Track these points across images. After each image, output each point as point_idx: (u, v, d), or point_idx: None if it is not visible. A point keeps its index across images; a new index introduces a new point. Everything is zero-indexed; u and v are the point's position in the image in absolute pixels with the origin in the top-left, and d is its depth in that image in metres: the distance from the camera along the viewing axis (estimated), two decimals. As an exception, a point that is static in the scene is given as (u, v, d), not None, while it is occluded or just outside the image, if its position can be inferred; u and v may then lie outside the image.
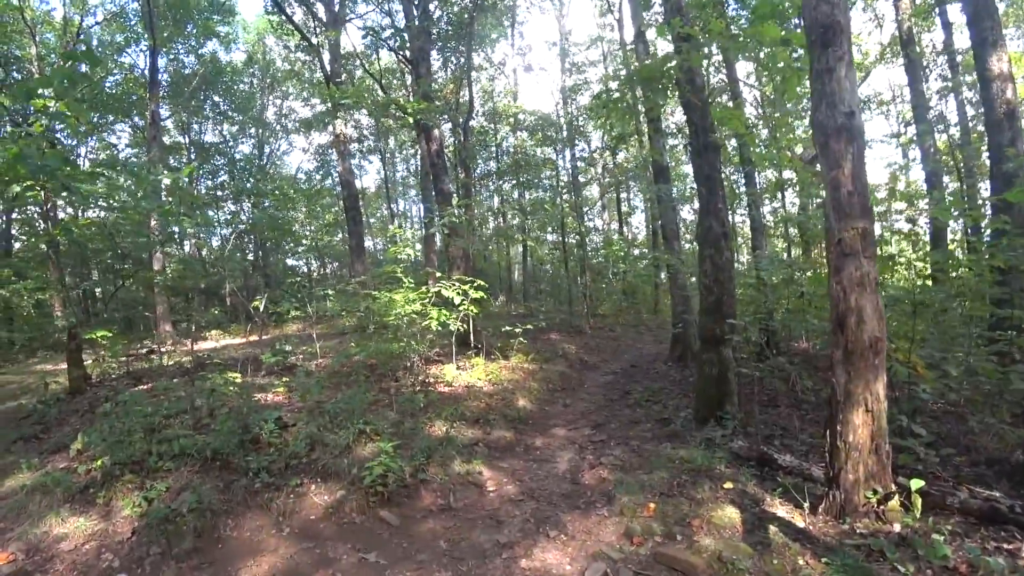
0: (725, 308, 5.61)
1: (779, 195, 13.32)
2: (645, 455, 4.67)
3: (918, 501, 3.08)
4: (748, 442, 4.49)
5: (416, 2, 9.91)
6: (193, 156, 18.27)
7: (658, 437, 5.24)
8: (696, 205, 12.63)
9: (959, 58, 11.19)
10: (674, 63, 5.28)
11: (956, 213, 7.46)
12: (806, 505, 3.34)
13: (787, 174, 12.13)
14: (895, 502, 3.08)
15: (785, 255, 13.87)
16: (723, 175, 6.71)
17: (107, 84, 15.60)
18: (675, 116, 14.03)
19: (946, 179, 11.22)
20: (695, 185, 7.59)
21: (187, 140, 19.33)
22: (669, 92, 6.95)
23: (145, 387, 6.35)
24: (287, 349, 8.30)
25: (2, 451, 5.07)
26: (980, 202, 9.87)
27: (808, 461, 4.04)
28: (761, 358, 6.96)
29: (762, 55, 5.61)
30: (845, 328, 3.29)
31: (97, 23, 15.35)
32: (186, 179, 7.05)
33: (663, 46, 11.06)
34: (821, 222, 10.83)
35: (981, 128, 10.14)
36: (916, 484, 3.11)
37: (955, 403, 5.08)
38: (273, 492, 4.01)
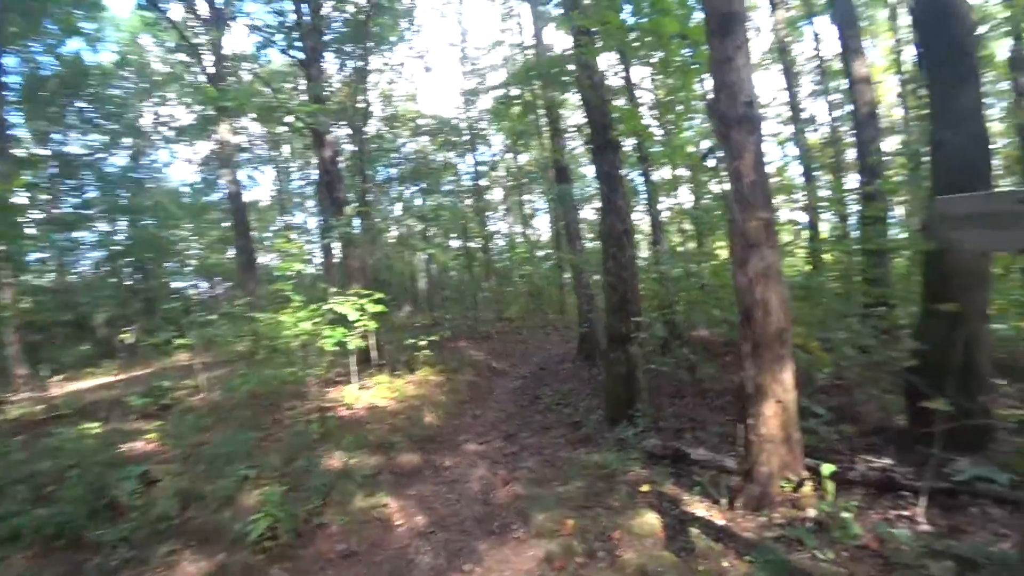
0: (630, 305, 5.59)
1: (675, 192, 13.86)
2: (559, 464, 4.48)
3: (830, 486, 3.11)
4: (661, 439, 4.45)
5: (307, 0, 9.23)
6: (55, 170, 15.89)
7: (571, 443, 5.08)
8: (598, 204, 12.91)
9: (833, 64, 12.32)
10: (572, 54, 5.17)
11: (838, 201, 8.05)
12: (724, 501, 3.28)
13: (681, 171, 12.70)
14: (808, 488, 3.09)
15: (681, 248, 14.50)
16: (623, 173, 6.76)
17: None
18: (574, 118, 14.26)
19: (818, 173, 12.20)
20: (596, 184, 7.63)
21: (47, 151, 16.76)
22: (568, 89, 6.91)
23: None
24: (165, 385, 7.33)
25: None
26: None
27: (721, 453, 4.03)
28: (665, 351, 7.11)
29: (660, 53, 5.65)
30: (752, 320, 3.26)
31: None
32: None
33: (563, 47, 11.13)
34: (714, 215, 11.46)
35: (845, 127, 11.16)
36: (827, 469, 3.15)
37: (843, 379, 5.35)
38: (136, 568, 3.35)
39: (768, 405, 3.13)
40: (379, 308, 6.95)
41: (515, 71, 10.22)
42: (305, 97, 9.83)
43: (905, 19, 12.78)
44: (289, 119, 9.19)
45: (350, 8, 10.57)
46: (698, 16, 5.41)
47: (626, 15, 5.10)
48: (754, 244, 3.28)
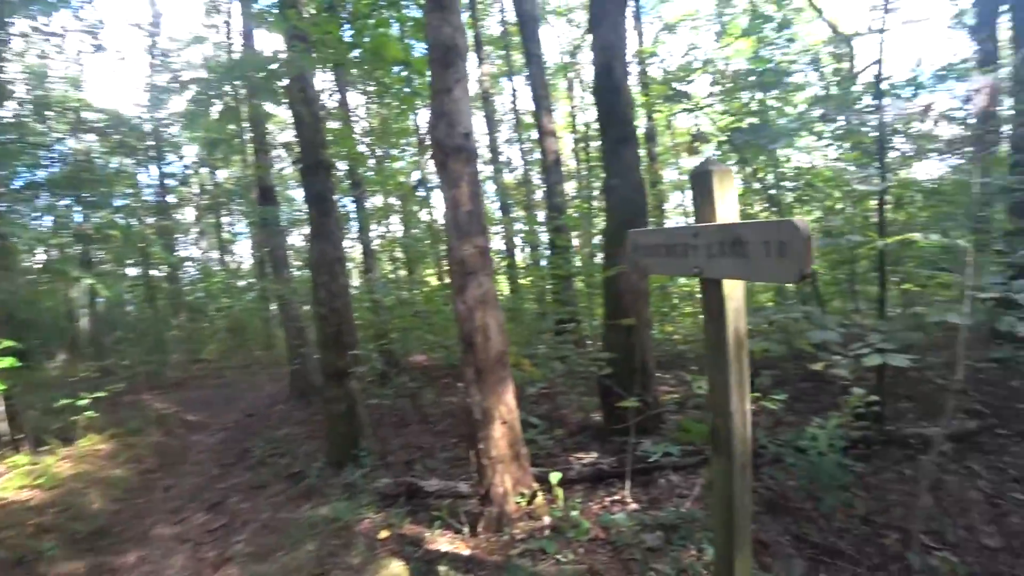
0: (346, 337, 5.27)
1: (386, 220, 14.00)
2: (282, 527, 3.85)
3: (559, 491, 3.37)
4: (391, 475, 4.25)
5: None
6: None
7: (293, 498, 4.45)
8: (307, 230, 12.08)
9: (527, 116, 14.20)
10: (286, 59, 4.63)
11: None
12: (466, 529, 3.24)
13: (392, 200, 12.91)
14: (540, 498, 3.28)
15: (393, 276, 14.69)
16: (335, 197, 6.42)
17: None
18: (284, 135, 13.17)
19: (513, 209, 13.90)
20: (306, 207, 7.08)
21: None
22: (279, 100, 6.25)
23: None
24: None
25: None
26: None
27: (453, 479, 4.03)
28: (384, 382, 6.99)
29: (380, 76, 5.53)
30: (474, 346, 3.33)
31: None
32: None
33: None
34: (424, 244, 11.93)
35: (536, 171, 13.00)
36: (555, 476, 3.41)
37: (547, 388, 6.03)
38: None
39: (496, 427, 3.24)
40: (7, 362, 5.05)
41: (217, 66, 8.83)
42: None
43: (577, 91, 15.80)
44: None
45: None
46: (419, 47, 5.54)
47: (348, 34, 4.88)
48: (471, 271, 3.39)
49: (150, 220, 14.09)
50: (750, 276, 1.90)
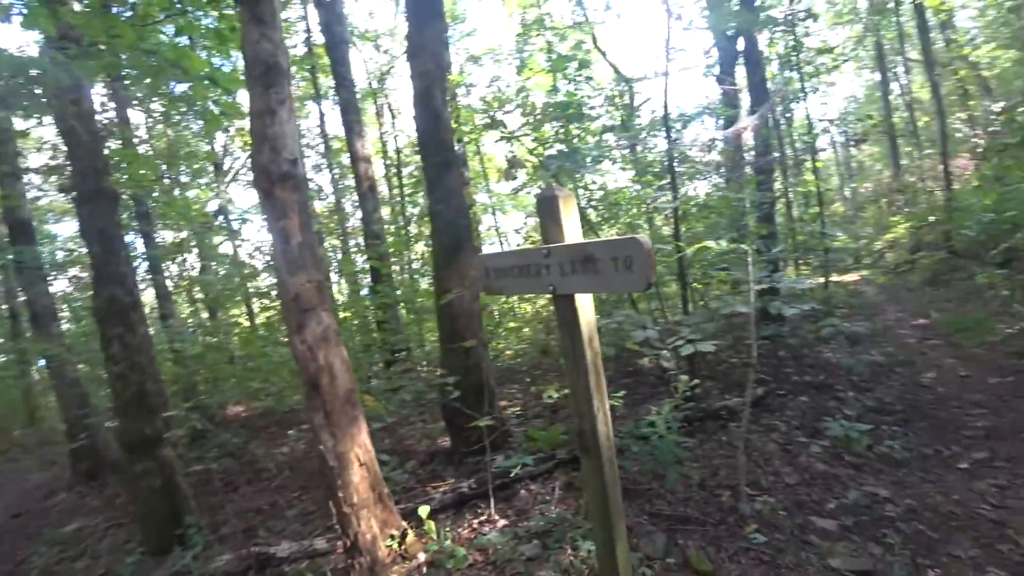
0: (153, 398, 4.50)
1: (182, 256, 12.31)
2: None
3: (430, 524, 3.25)
4: (231, 549, 3.70)
5: None
6: None
7: None
8: (80, 272, 10.04)
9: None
10: (53, 60, 3.76)
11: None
12: (333, 589, 2.96)
13: (185, 232, 11.36)
14: (410, 536, 3.13)
15: (193, 321, 12.96)
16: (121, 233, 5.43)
17: None
18: (39, 157, 10.75)
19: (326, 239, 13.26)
20: (81, 245, 5.90)
21: None
22: (37, 114, 5.11)
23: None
24: None
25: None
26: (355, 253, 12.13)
27: (307, 537, 3.66)
28: (201, 442, 6.15)
29: (173, 91, 4.79)
30: (320, 388, 3.09)
31: None
32: None
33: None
34: (233, 281, 10.74)
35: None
36: (424, 510, 3.28)
37: (390, 420, 5.83)
38: None
39: (354, 471, 3.04)
40: None
41: None
42: None
43: (387, 116, 15.67)
44: None
45: None
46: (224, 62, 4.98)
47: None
48: (309, 308, 3.16)
49: None
50: (602, 289, 2.09)
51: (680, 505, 3.09)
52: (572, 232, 2.06)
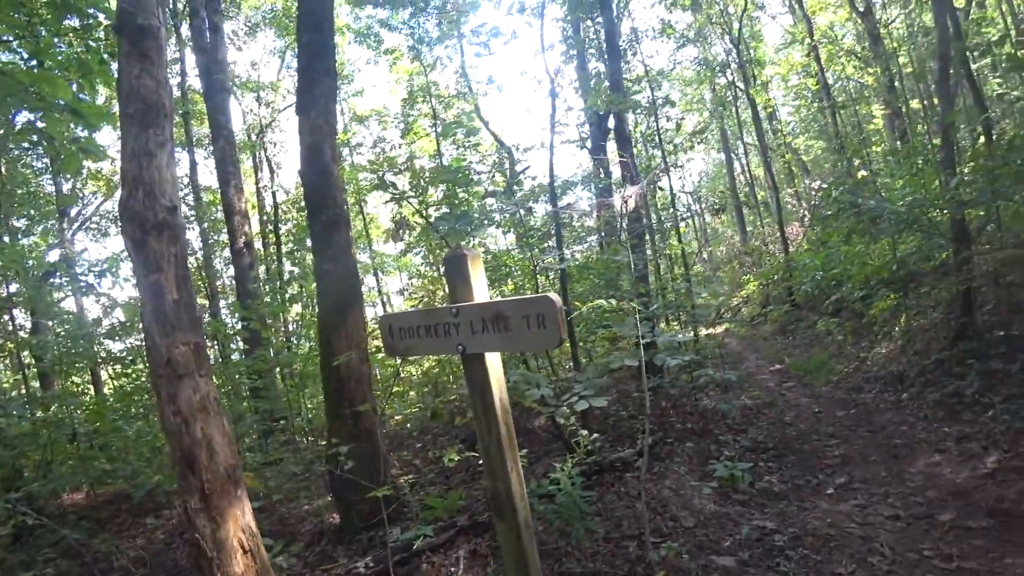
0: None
1: (8, 314, 10.50)
2: None
3: None
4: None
5: None
6: None
7: None
8: None
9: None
10: None
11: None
12: None
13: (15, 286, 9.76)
14: None
15: (19, 393, 11.02)
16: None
17: None
18: None
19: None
20: None
21: None
22: None
23: None
24: None
25: None
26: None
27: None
28: (28, 540, 5.12)
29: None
30: (196, 466, 2.73)
31: None
32: None
33: None
34: (77, 344, 9.32)
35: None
36: None
37: (269, 498, 5.30)
38: None
39: (236, 561, 2.67)
40: None
41: None
42: None
43: (265, 170, 15.01)
44: None
45: None
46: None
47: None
48: (184, 374, 2.82)
49: None
50: (514, 347, 2.11)
51: (589, 560, 3.08)
52: (481, 291, 2.09)
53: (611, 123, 10.36)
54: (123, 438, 6.05)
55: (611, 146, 10.92)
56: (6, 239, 9.37)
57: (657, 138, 11.55)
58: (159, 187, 2.78)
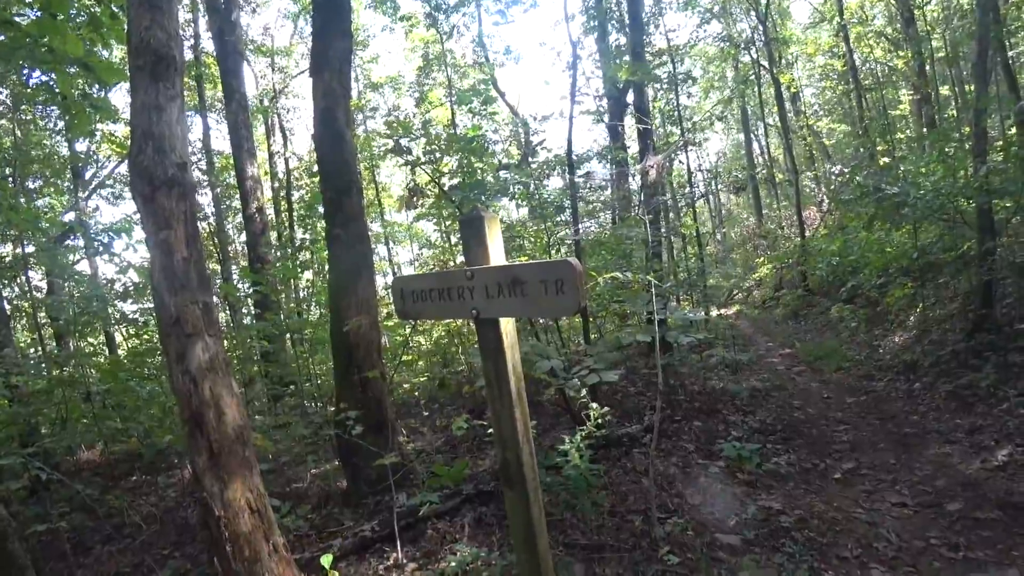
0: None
1: (21, 275, 10.62)
2: None
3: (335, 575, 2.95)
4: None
5: None
6: None
7: None
8: None
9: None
10: None
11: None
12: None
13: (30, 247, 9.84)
14: None
15: (38, 352, 11.20)
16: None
17: None
18: None
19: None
20: None
21: None
22: None
23: None
24: None
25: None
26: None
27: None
28: (42, 496, 5.22)
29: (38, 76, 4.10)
30: (204, 426, 2.74)
31: None
32: None
33: None
34: (86, 306, 9.43)
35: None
36: (326, 559, 2.97)
37: (278, 461, 5.35)
38: None
39: (244, 520, 2.69)
40: None
41: None
42: None
43: (278, 136, 14.89)
44: None
45: None
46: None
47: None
48: (193, 333, 2.81)
49: None
50: (531, 313, 2.05)
51: (594, 533, 3.09)
52: (497, 255, 2.02)
53: (630, 97, 10.14)
54: (135, 398, 6.12)
55: (629, 122, 10.70)
56: (21, 200, 9.42)
57: (677, 114, 11.30)
58: (169, 142, 2.72)
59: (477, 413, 5.62)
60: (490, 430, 4.39)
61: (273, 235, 13.49)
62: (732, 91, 20.86)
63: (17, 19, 3.51)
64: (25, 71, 4.68)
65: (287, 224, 13.41)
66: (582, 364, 3.90)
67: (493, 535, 3.20)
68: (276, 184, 14.55)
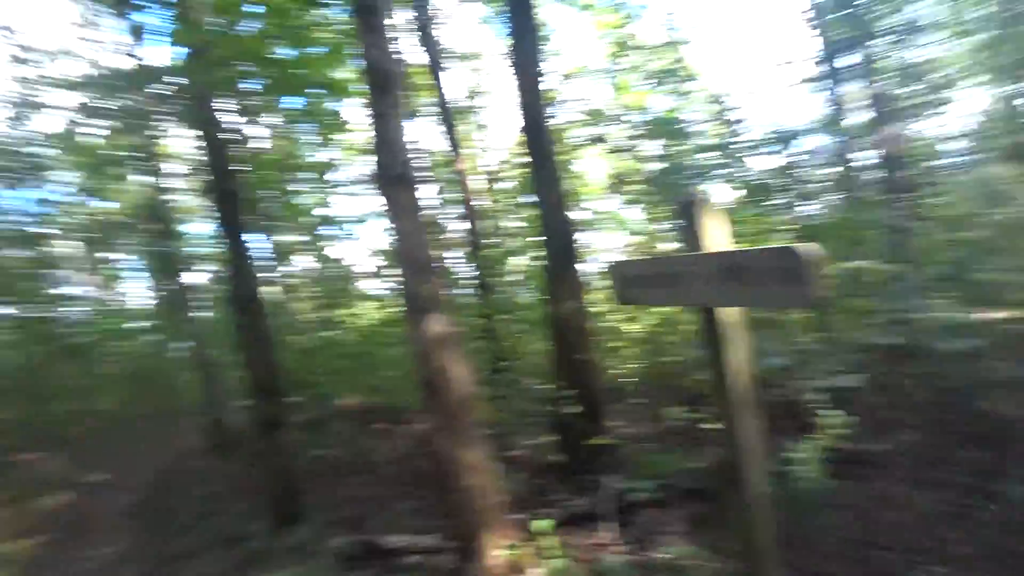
0: (274, 386, 4.82)
1: (295, 255, 13.25)
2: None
3: (546, 539, 3.11)
4: (344, 533, 3.83)
5: None
6: None
7: (238, 565, 3.91)
8: (214, 266, 11.11)
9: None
10: (183, 67, 4.26)
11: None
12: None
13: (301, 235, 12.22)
14: (523, 549, 3.04)
15: (307, 317, 13.86)
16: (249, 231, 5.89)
17: None
18: (182, 162, 12.13)
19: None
20: (215, 242, 6.50)
21: None
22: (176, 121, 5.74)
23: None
24: None
25: None
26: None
27: (418, 533, 3.68)
28: (317, 429, 6.47)
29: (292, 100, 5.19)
30: (437, 390, 3.12)
31: None
32: None
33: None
34: (340, 283, 11.39)
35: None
36: (544, 523, 3.14)
37: (495, 431, 5.80)
38: None
39: (469, 476, 3.01)
40: None
41: (98, 77, 7.85)
42: None
43: (483, 133, 16.04)
44: None
45: None
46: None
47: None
48: (427, 309, 3.21)
49: (19, 252, 12.33)
50: (755, 304, 1.87)
51: (822, 560, 2.73)
52: (718, 240, 1.88)
53: (850, 60, 8.55)
54: (385, 358, 7.23)
55: (853, 87, 9.02)
56: (290, 199, 11.73)
57: (917, 71, 9.16)
58: (396, 145, 3.19)
59: (692, 404, 5.38)
60: (705, 424, 4.17)
61: (487, 223, 14.59)
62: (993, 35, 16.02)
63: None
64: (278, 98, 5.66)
65: (496, 214, 14.38)
66: (813, 364, 3.46)
67: (711, 534, 3.02)
68: (485, 177, 15.69)
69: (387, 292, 8.79)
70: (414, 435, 6.13)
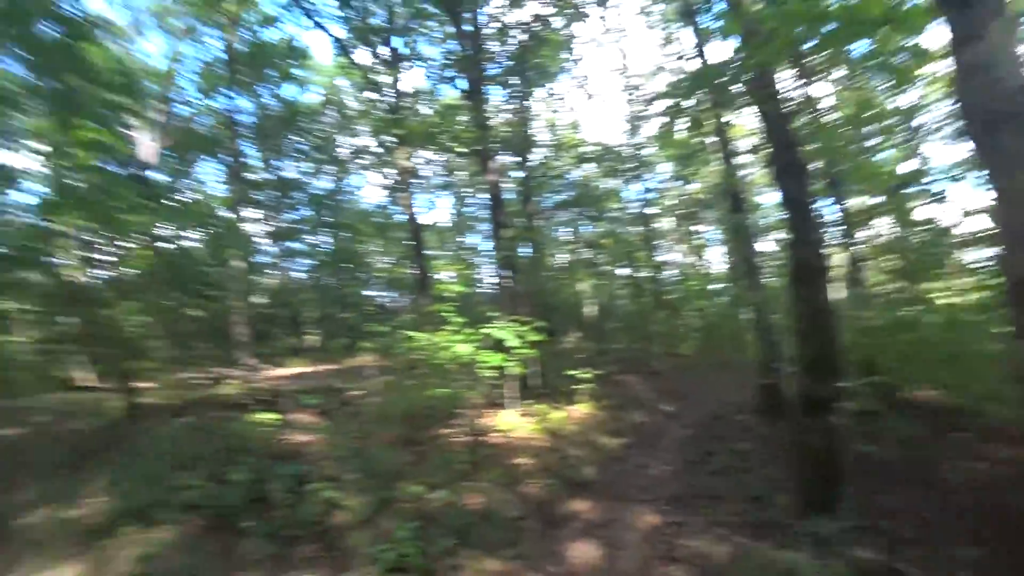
0: (830, 362, 4.51)
1: (870, 222, 11.67)
2: (734, 552, 3.63)
3: None
4: (874, 546, 3.36)
5: (471, 38, 9.93)
6: (275, 192, 19.09)
7: (750, 525, 4.13)
8: (780, 235, 11.31)
9: None
10: (741, 57, 4.44)
11: None
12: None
13: (877, 199, 10.59)
14: None
15: (883, 290, 12.06)
16: (812, 200, 5.61)
17: (198, 125, 16.40)
18: (744, 143, 12.91)
19: None
20: (779, 212, 6.56)
21: (271, 176, 20.05)
22: (738, 104, 6.10)
23: (188, 420, 5.99)
24: (337, 386, 7.96)
25: (42, 478, 4.89)
26: None
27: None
28: (871, 422, 5.66)
29: (853, 49, 4.57)
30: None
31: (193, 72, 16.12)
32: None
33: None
34: (929, 252, 9.28)
35: None
36: None
37: None
38: (274, 565, 3.81)
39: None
40: (539, 336, 6.65)
41: (678, 81, 9.24)
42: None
43: None
44: (452, 144, 10.02)
45: (512, 43, 10.98)
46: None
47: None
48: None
49: (636, 229, 16.33)
50: None
51: None
52: None
53: None
54: (977, 352, 5.62)
55: None
56: (863, 158, 10.16)
57: None
58: (996, 69, 2.25)
59: None
60: None
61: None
62: None
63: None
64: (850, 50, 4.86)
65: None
66: None
67: None
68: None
69: (988, 265, 6.66)
70: (1007, 459, 4.61)
